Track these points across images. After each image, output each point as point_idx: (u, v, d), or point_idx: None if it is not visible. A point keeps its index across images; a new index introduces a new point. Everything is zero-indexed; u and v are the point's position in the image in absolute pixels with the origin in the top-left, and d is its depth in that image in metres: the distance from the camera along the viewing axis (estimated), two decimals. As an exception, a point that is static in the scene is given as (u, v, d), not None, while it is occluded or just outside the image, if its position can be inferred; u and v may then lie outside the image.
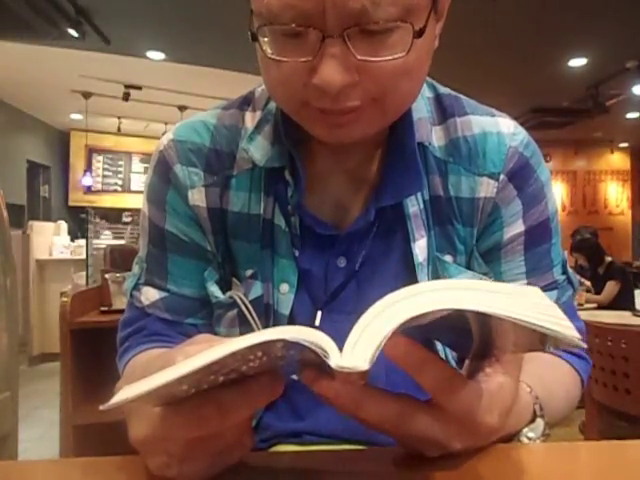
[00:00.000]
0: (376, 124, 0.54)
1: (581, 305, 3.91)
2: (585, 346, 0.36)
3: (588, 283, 4.45)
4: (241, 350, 0.31)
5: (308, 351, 0.33)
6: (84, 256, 2.72)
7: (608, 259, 4.47)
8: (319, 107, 0.50)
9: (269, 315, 0.63)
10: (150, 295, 0.66)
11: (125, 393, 0.33)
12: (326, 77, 0.46)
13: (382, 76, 0.48)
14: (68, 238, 5.65)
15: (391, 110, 0.53)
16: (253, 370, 0.35)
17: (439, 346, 0.62)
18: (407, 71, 0.49)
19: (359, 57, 0.46)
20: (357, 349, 0.33)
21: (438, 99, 0.65)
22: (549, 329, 0.33)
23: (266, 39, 0.49)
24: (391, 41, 0.46)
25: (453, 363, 0.63)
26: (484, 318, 0.35)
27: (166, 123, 7.52)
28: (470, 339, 0.42)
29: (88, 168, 8.59)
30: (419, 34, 0.46)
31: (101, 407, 0.33)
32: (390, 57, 0.47)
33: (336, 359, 0.33)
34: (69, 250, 5.33)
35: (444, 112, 0.64)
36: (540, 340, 0.37)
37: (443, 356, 0.62)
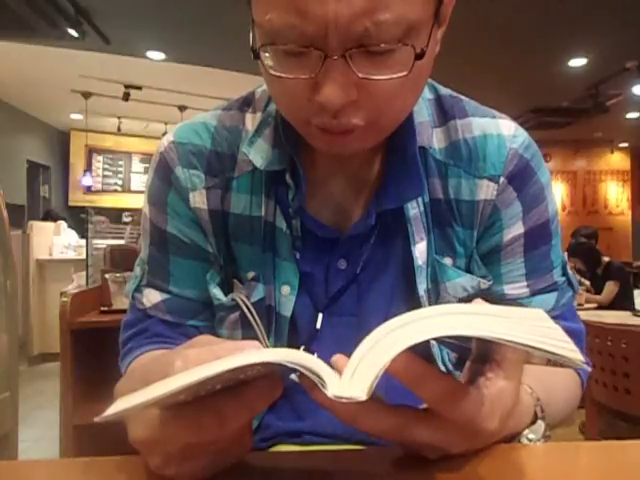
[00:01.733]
0: (374, 139, 0.54)
1: (581, 305, 3.91)
2: (589, 369, 0.36)
3: (587, 283, 4.44)
4: (240, 367, 0.31)
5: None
6: (84, 256, 2.71)
7: (606, 259, 4.47)
8: (319, 124, 0.50)
9: (271, 317, 0.63)
10: (152, 297, 0.66)
11: (120, 405, 0.32)
12: (328, 95, 0.46)
13: (383, 94, 0.48)
14: (74, 235, 5.61)
15: (389, 125, 0.53)
16: (252, 377, 0.35)
17: (435, 348, 0.62)
18: (407, 88, 0.49)
19: (360, 75, 0.46)
20: (355, 378, 0.33)
21: (439, 101, 0.65)
22: (551, 352, 0.33)
23: (267, 54, 0.48)
24: (392, 61, 0.46)
25: (450, 366, 0.63)
26: (485, 340, 0.35)
27: (166, 123, 7.52)
28: (469, 344, 0.42)
29: (88, 168, 8.59)
30: (421, 56, 0.46)
31: (96, 419, 0.33)
32: (392, 76, 0.47)
33: (333, 389, 0.33)
34: (73, 248, 5.30)
35: (445, 114, 0.64)
36: (542, 359, 0.37)
37: (440, 357, 0.63)
